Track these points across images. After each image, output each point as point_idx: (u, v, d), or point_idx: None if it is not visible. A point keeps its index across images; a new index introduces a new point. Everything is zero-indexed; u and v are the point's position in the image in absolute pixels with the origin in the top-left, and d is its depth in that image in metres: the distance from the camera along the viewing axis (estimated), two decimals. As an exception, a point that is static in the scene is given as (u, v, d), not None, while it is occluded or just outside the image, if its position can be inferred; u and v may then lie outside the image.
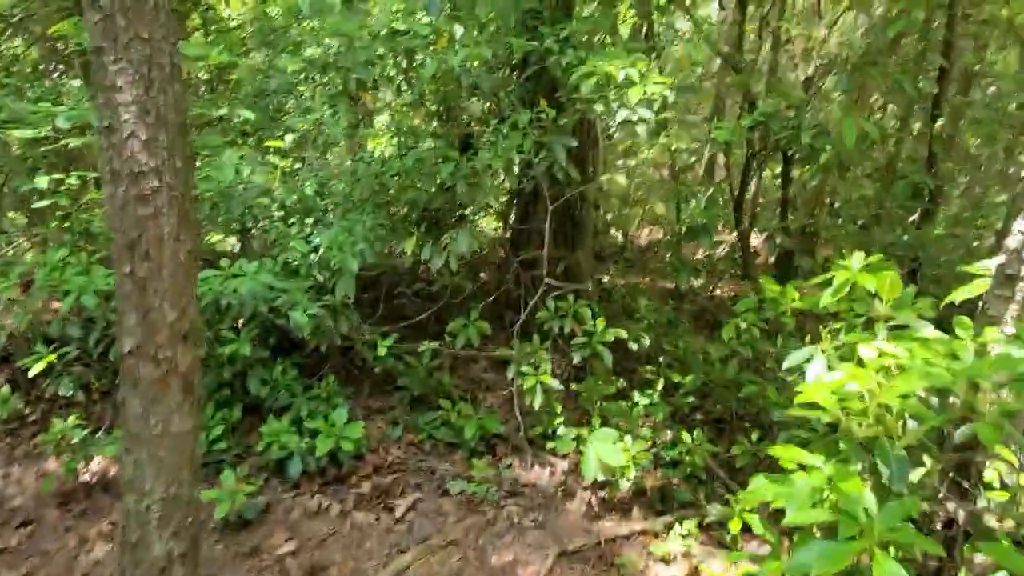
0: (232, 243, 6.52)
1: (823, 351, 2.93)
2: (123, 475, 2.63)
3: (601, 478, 4.02)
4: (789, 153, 5.87)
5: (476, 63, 3.85)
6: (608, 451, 4.05)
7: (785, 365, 3.00)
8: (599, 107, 3.69)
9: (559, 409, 4.52)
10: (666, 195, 5.48)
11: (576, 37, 4.18)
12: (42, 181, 5.20)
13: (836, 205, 7.32)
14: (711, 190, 4.50)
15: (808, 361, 2.96)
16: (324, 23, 4.69)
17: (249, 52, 8.07)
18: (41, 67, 7.85)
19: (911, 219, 6.28)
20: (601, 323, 4.33)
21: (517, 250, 4.91)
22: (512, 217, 5.23)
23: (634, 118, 3.68)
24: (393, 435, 4.79)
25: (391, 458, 4.58)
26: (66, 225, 5.22)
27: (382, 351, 4.29)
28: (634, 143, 6.20)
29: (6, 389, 5.06)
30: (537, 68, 4.26)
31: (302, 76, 6.00)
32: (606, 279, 6.87)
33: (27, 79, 7.18)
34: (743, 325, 4.07)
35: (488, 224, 7.15)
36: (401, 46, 4.10)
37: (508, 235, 5.16)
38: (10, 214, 6.58)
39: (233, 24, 8.52)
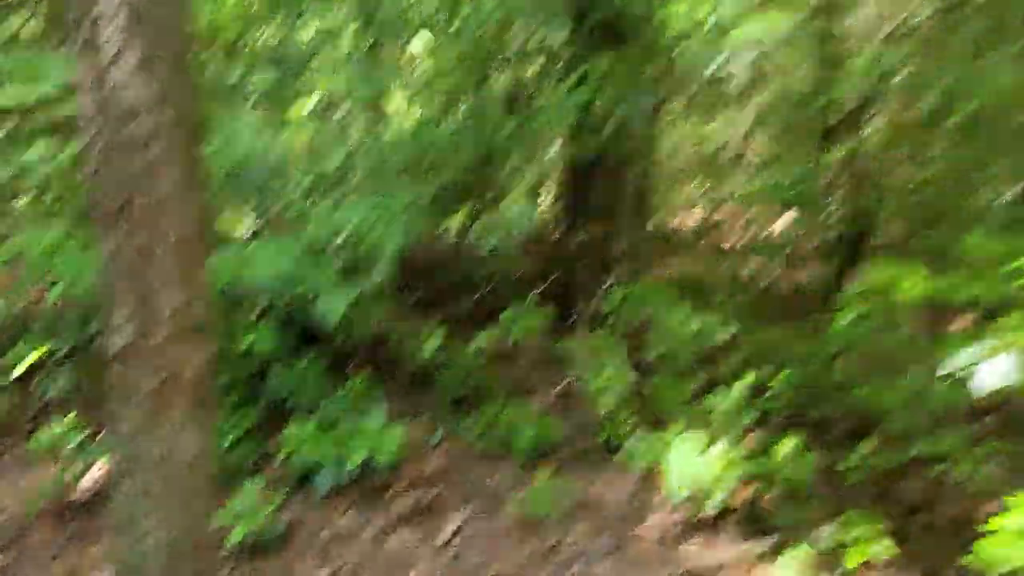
0: (246, 227, 5.91)
1: (997, 349, 2.30)
2: (115, 512, 2.02)
3: (686, 495, 3.40)
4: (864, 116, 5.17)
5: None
6: (694, 463, 3.43)
7: (948, 368, 2.36)
8: (686, 55, 3.04)
9: (628, 412, 3.89)
10: (730, 169, 4.77)
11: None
12: (33, 152, 4.61)
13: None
14: (811, 160, 3.84)
15: (975, 364, 2.34)
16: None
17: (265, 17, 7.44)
18: (43, 44, 7.24)
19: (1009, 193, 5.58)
20: (681, 312, 3.70)
21: (573, 227, 4.27)
22: (563, 190, 4.58)
23: (729, 67, 3.02)
24: (432, 441, 4.18)
25: (431, 468, 3.97)
26: (60, 202, 4.63)
27: (429, 348, 3.66)
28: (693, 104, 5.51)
29: (-8, 388, 4.49)
30: (606, 13, 3.59)
31: (322, 41, 5.36)
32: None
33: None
34: (849, 316, 3.43)
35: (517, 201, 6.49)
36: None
37: (561, 210, 4.51)
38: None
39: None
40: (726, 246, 7.91)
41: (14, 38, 7.39)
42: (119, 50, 1.66)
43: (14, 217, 5.06)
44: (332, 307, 3.43)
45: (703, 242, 7.62)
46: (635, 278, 4.08)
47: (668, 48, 3.30)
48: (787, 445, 3.58)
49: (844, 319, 3.37)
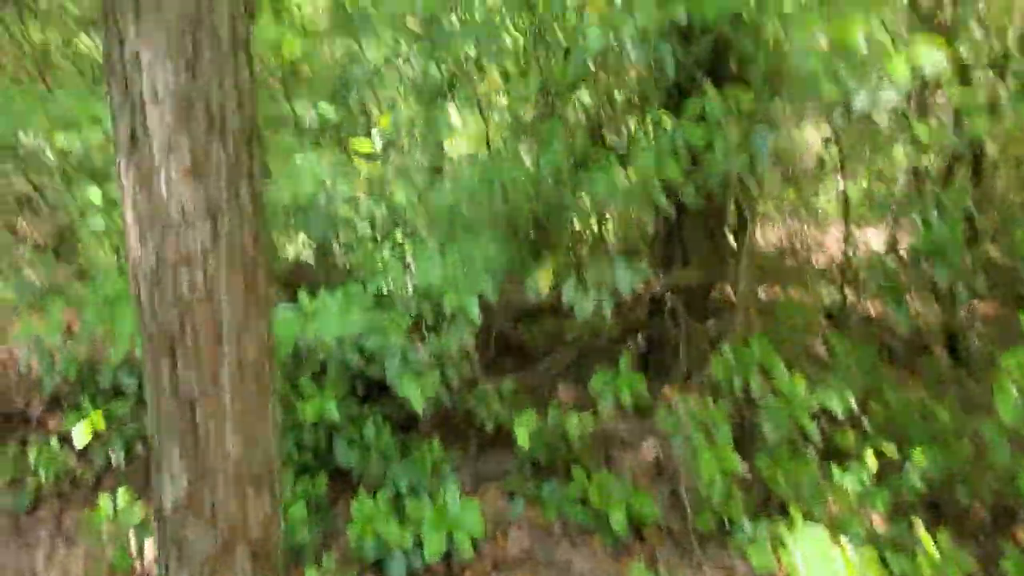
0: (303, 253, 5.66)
1: None
2: None
3: (813, 601, 2.92)
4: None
5: (641, 31, 2.78)
6: (821, 556, 2.95)
7: None
8: (828, 88, 2.57)
9: (736, 491, 3.43)
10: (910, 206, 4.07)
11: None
12: (96, 196, 4.41)
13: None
14: (946, 195, 3.27)
15: None
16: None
17: (325, 38, 7.21)
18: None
19: None
20: (801, 382, 3.22)
21: (667, 273, 3.82)
22: (655, 234, 4.13)
23: (882, 104, 2.54)
24: (512, 513, 3.79)
25: (513, 549, 3.58)
26: (120, 250, 4.42)
27: (522, 436, 3.27)
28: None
29: (55, 443, 4.31)
30: (713, 36, 3.14)
31: (388, 61, 5.06)
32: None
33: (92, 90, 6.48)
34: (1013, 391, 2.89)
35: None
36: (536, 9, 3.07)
37: (652, 256, 4.06)
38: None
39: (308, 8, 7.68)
40: (816, 264, 7.28)
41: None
42: (168, 144, 1.32)
43: (77, 261, 4.91)
44: (414, 390, 3.08)
45: (793, 262, 7.01)
46: (738, 332, 3.61)
47: (792, 79, 2.83)
48: (929, 538, 3.07)
49: (1008, 394, 2.83)
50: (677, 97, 3.53)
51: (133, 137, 1.33)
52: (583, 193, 3.19)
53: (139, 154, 1.34)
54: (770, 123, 2.85)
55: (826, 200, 7.99)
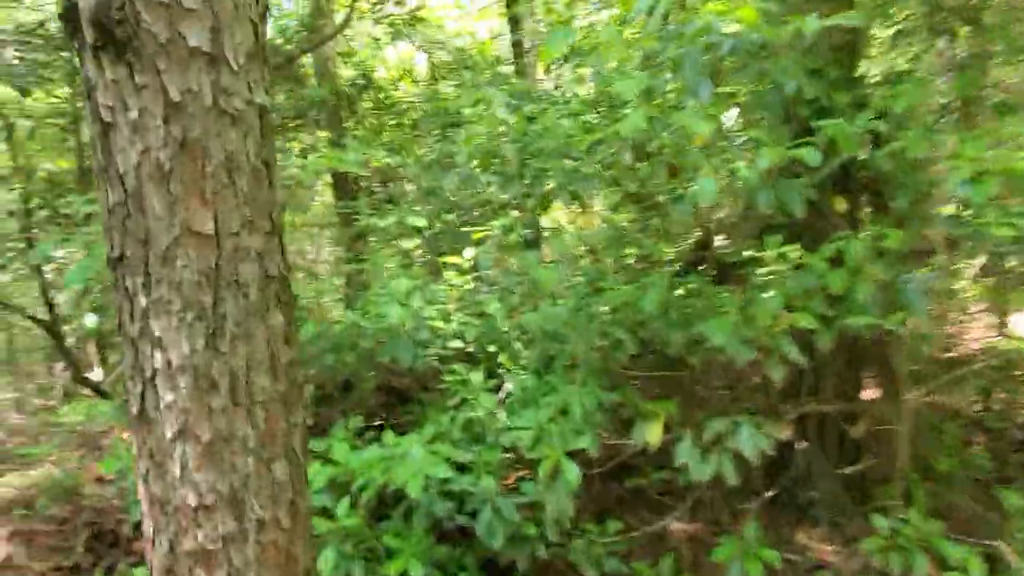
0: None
1: None
2: None
3: None
4: None
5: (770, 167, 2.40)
6: None
7: None
8: (1000, 229, 2.09)
9: None
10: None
11: (901, 107, 2.63)
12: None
13: None
14: None
15: None
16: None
17: (418, 135, 7.23)
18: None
19: None
20: (974, 562, 2.61)
21: (798, 406, 3.30)
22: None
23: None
24: None
25: None
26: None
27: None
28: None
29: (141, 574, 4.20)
30: (843, 162, 2.70)
31: (479, 169, 4.91)
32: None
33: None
34: None
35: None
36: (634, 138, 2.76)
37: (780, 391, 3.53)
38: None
39: (404, 107, 7.80)
40: (961, 356, 6.40)
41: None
42: (181, 428, 1.06)
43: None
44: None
45: (933, 351, 6.17)
46: (890, 476, 3.04)
47: (971, 216, 2.35)
48: None
49: None
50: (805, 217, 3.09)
51: (143, 413, 1.08)
52: (693, 335, 2.78)
53: (151, 434, 1.09)
54: (921, 260, 2.39)
55: (967, 281, 7.12)
